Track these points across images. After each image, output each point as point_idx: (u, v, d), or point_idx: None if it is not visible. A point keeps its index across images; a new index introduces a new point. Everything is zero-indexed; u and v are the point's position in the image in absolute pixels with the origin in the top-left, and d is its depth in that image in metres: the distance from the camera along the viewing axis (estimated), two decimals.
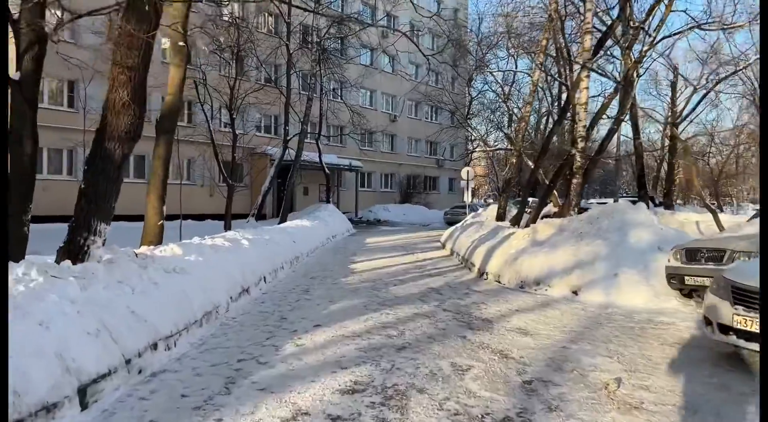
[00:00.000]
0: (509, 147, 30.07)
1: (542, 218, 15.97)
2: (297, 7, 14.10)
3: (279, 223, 19.44)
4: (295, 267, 11.26)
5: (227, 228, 18.50)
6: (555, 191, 29.44)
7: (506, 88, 30.29)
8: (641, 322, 6.19)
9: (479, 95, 38.69)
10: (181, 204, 14.75)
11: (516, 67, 29.62)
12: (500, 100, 30.97)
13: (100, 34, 14.28)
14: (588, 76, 10.46)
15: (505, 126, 29.05)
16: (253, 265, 8.46)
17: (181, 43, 7.72)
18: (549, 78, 19.82)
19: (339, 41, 29.32)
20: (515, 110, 33.53)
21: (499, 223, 13.44)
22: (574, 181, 10.55)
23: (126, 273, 4.98)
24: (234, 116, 19.30)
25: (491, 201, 43.65)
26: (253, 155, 27.00)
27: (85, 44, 15.97)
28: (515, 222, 14.02)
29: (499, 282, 9.39)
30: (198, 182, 25.44)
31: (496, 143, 47.00)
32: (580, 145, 10.45)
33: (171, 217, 22.49)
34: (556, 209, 26.84)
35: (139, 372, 4.19)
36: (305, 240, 14.03)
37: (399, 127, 37.83)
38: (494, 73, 28.08)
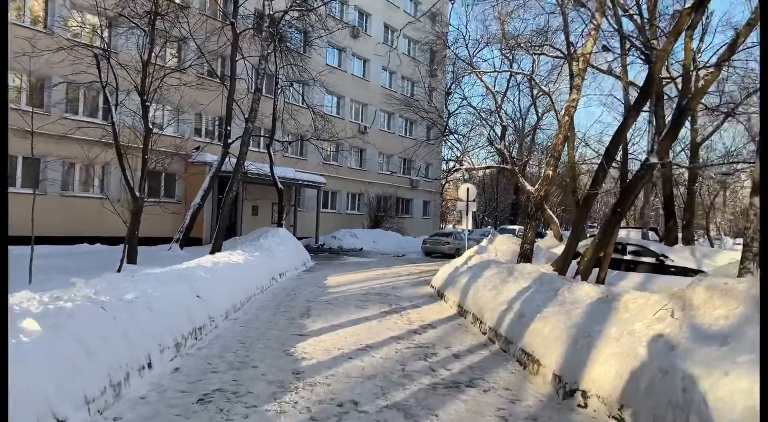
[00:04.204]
0: (503, 164, 25.44)
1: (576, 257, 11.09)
2: None
3: (212, 252, 14.04)
4: (184, 357, 5.81)
5: (129, 260, 12.95)
6: (556, 219, 24.86)
7: (498, 97, 25.75)
8: None
9: (459, 108, 34.35)
10: (33, 221, 9.23)
11: (511, 68, 25.06)
12: (491, 111, 26.50)
13: None
14: None
15: (497, 140, 24.41)
16: (20, 403, 3.10)
17: None
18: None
19: (301, 34, 24.23)
20: (508, 121, 29.09)
21: (542, 269, 8.34)
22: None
23: None
24: (148, 103, 13.88)
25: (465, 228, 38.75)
26: (190, 164, 21.46)
27: None
28: (560, 267, 8.99)
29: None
30: (114, 196, 19.68)
31: (485, 160, 42.81)
32: None
33: (73, 240, 16.94)
34: (557, 241, 22.14)
35: None
36: (226, 289, 8.64)
37: (369, 140, 32.73)
38: (484, 79, 23.18)
